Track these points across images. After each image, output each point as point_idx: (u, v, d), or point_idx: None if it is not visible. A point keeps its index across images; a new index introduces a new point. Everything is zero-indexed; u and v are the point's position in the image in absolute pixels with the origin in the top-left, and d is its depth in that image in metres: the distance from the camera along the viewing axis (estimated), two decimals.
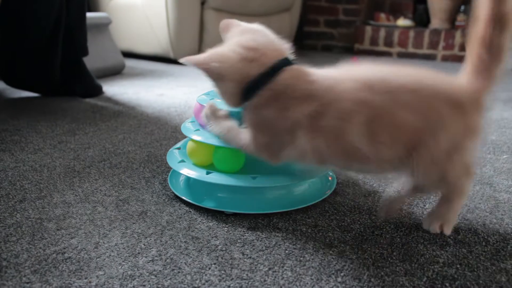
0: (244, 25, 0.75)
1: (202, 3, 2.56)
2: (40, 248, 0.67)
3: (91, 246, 0.68)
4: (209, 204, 0.80)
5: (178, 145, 0.94)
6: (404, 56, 3.42)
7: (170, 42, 2.52)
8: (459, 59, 3.29)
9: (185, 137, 1.20)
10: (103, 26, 2.18)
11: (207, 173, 0.79)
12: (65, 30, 1.61)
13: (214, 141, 0.79)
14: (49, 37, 1.57)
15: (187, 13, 2.49)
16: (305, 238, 0.72)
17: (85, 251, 0.67)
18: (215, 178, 0.78)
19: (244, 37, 0.71)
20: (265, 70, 0.69)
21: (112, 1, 2.74)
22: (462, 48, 3.26)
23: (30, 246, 0.68)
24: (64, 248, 0.67)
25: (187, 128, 0.86)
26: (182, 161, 0.85)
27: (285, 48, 0.73)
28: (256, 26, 0.75)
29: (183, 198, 0.83)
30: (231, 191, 0.83)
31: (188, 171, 0.81)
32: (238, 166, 0.81)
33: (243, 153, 0.78)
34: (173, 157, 0.88)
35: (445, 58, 3.31)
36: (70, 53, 1.69)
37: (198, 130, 0.83)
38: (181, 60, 0.68)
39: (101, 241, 0.70)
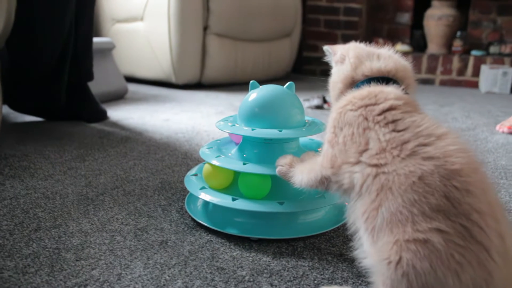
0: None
1: (205, 29, 2.58)
2: (61, 280, 0.65)
3: (114, 277, 0.66)
4: (232, 231, 0.79)
5: (193, 171, 0.93)
6: None
7: (172, 67, 2.53)
8: (457, 83, 3.33)
9: (196, 163, 1.19)
10: (107, 51, 2.19)
11: (233, 199, 0.78)
12: (71, 55, 1.61)
13: (234, 166, 0.78)
14: (56, 63, 1.57)
15: (189, 38, 2.50)
16: (332, 268, 0.70)
17: (108, 283, 0.64)
18: (242, 204, 0.77)
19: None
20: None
21: (114, 26, 2.76)
22: (460, 72, 3.31)
23: (50, 278, 0.65)
24: (86, 280, 0.65)
25: (207, 154, 0.85)
26: (203, 187, 0.83)
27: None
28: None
29: (204, 224, 0.82)
30: (254, 217, 0.82)
31: (212, 198, 0.79)
32: (265, 192, 0.79)
33: (269, 179, 0.77)
34: (192, 183, 0.86)
35: (443, 83, 3.35)
36: (76, 78, 1.68)
37: (219, 156, 0.82)
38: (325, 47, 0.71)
39: (123, 272, 0.67)
